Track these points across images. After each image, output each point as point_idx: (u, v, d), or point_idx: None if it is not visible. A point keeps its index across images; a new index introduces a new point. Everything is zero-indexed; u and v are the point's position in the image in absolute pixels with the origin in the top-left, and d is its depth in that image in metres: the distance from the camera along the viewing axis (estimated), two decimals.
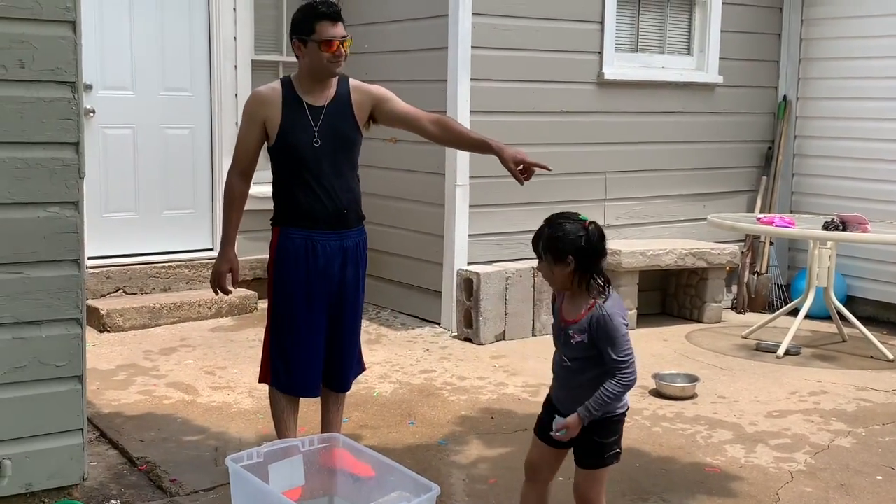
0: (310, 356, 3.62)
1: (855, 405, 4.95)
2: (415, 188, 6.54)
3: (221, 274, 3.70)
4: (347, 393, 3.89)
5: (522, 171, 3.63)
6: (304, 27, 3.53)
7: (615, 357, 2.81)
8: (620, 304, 2.92)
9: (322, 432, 3.73)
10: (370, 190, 7.00)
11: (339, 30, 3.52)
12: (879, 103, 7.01)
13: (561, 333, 2.94)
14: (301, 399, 3.77)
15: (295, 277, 3.56)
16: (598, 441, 2.91)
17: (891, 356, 5.89)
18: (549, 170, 3.69)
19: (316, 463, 3.21)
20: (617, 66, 6.70)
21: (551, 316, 3.08)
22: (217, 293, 3.77)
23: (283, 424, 3.68)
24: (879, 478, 3.99)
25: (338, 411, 3.83)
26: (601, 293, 2.86)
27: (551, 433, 2.89)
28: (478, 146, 3.75)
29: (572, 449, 2.98)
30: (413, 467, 3.51)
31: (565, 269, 2.84)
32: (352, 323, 3.72)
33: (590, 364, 2.87)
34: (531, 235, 2.96)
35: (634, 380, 2.84)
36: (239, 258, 3.78)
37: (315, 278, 3.56)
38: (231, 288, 3.76)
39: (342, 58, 3.55)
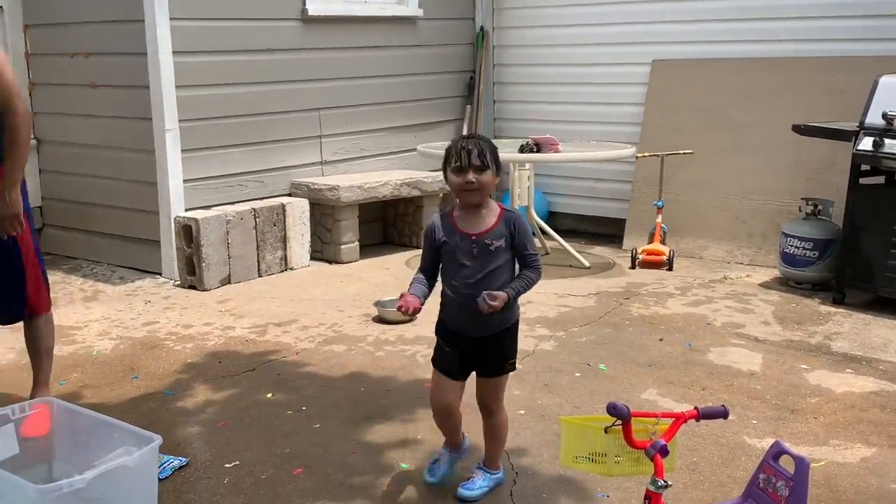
0: None
1: (556, 311, 5.44)
2: (121, 135, 6.27)
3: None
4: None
5: None
6: None
7: (531, 251, 3.11)
8: None
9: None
10: (71, 139, 6.71)
11: None
12: (567, 30, 7.56)
13: (472, 248, 3.07)
14: None
15: None
16: (502, 352, 3.18)
17: (587, 264, 6.49)
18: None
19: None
20: (320, 2, 6.73)
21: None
22: None
23: None
24: (577, 374, 4.44)
25: (29, 349, 3.89)
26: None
27: (479, 303, 2.96)
28: None
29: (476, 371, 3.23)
30: (138, 421, 3.49)
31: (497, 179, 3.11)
32: None
33: (502, 270, 3.09)
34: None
35: (541, 271, 3.14)
36: None
37: None
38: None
39: None
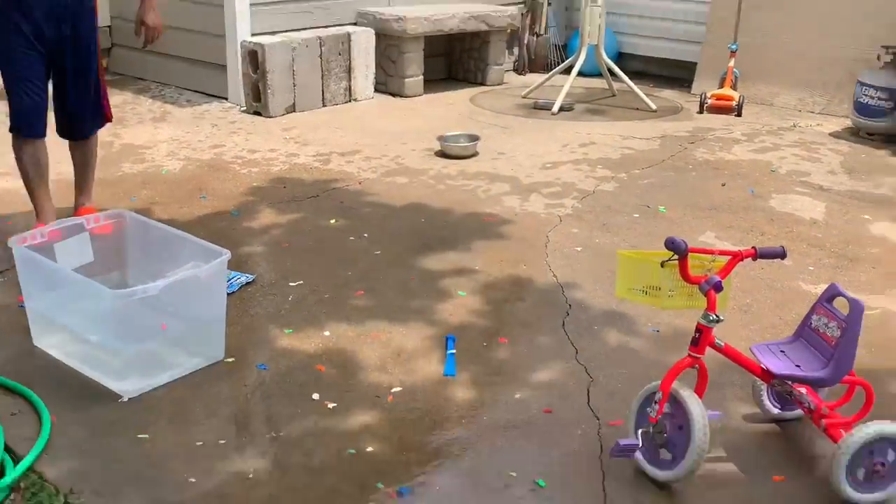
0: (32, 98, 3.73)
1: (619, 153, 5.40)
2: None
3: None
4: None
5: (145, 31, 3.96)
6: None
7: None
8: None
9: (75, 183, 4.08)
10: None
11: None
12: None
13: None
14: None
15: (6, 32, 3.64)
16: None
17: (654, 107, 6.38)
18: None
19: (105, 238, 3.24)
20: None
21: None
22: None
23: (28, 180, 3.89)
24: (636, 216, 4.45)
25: (83, 162, 4.05)
26: None
27: None
28: None
29: None
30: (206, 238, 3.58)
31: None
32: (75, 75, 3.81)
33: None
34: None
35: None
36: None
37: (29, 36, 3.64)
38: None
39: None
